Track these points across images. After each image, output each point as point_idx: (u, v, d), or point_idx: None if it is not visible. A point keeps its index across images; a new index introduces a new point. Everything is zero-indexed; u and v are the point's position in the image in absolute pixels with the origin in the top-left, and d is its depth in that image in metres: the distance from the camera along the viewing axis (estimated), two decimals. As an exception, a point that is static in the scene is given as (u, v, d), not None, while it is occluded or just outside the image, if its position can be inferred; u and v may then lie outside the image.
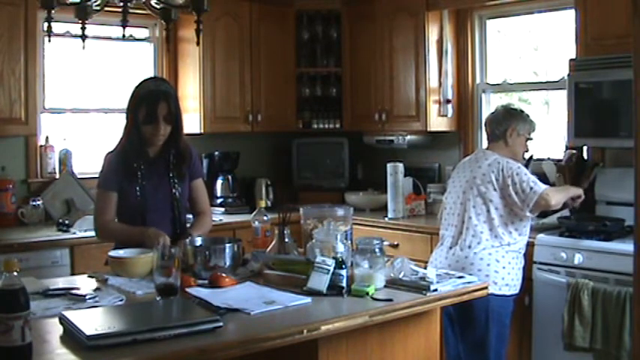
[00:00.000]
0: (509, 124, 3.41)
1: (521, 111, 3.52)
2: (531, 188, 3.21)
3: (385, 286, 2.46)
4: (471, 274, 2.84)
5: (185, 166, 3.01)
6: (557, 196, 3.30)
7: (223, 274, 2.52)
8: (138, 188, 2.89)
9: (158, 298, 2.24)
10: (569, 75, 3.78)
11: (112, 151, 2.97)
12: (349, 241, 2.79)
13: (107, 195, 2.92)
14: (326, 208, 2.96)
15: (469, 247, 3.29)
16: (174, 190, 2.97)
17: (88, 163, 4.55)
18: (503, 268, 3.24)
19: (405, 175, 4.59)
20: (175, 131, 2.92)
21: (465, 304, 2.88)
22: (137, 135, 2.89)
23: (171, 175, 2.97)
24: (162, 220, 2.91)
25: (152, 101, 2.84)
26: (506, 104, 3.72)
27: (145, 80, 2.98)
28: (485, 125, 3.54)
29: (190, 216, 3.14)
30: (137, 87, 2.93)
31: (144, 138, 2.89)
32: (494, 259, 3.24)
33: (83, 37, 2.75)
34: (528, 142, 3.48)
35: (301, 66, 5.23)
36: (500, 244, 3.26)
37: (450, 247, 3.37)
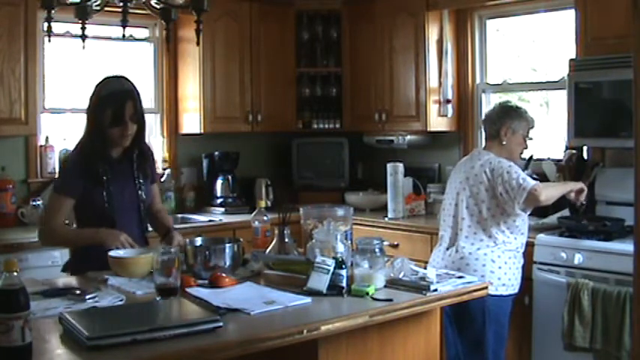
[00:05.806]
0: (504, 122, 3.34)
1: (518, 108, 3.43)
2: (520, 185, 3.15)
3: (385, 286, 2.46)
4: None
5: (149, 166, 2.97)
6: (548, 192, 3.22)
7: (223, 274, 2.52)
8: (104, 192, 2.80)
9: (158, 298, 2.24)
10: (569, 75, 3.78)
11: (71, 152, 2.88)
12: (349, 241, 2.79)
13: (63, 200, 2.80)
14: (326, 208, 2.95)
15: (464, 247, 3.28)
16: (140, 192, 2.92)
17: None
18: (499, 268, 3.23)
19: (405, 175, 4.59)
20: (139, 130, 2.84)
21: (462, 304, 2.86)
22: (100, 137, 2.78)
23: (136, 175, 2.91)
24: (129, 222, 2.87)
25: (119, 102, 2.74)
26: (503, 101, 3.66)
27: (106, 79, 2.84)
28: (483, 123, 3.52)
29: None
30: (98, 86, 2.81)
31: (109, 140, 2.80)
32: (489, 260, 3.23)
33: (83, 37, 2.76)
34: (528, 140, 3.40)
35: (301, 66, 5.22)
36: (495, 243, 3.25)
37: (447, 249, 3.37)
